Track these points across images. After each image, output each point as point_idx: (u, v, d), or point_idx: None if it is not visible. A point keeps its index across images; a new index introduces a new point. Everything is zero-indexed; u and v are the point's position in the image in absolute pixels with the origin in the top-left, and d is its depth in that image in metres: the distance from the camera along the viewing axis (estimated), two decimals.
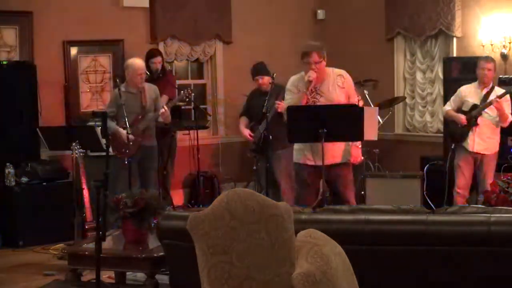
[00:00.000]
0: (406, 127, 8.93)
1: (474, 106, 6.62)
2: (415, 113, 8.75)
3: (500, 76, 7.29)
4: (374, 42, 8.94)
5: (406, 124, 8.91)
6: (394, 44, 8.83)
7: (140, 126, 6.54)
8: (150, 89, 6.70)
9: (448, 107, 6.87)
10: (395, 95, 8.66)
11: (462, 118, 6.62)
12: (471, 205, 5.80)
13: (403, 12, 8.56)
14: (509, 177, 5.77)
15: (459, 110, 6.74)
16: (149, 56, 7.52)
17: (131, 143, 6.38)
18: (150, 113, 6.62)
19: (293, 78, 5.65)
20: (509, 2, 7.61)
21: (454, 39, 8.10)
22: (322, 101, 5.47)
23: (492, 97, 6.53)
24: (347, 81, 5.60)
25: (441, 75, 8.17)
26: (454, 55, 8.07)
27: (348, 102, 5.54)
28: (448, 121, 6.99)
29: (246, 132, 7.33)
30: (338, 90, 5.53)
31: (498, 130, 6.66)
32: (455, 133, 6.77)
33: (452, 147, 6.84)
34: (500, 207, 3.94)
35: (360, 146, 5.84)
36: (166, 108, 6.67)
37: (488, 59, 6.66)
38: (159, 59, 7.58)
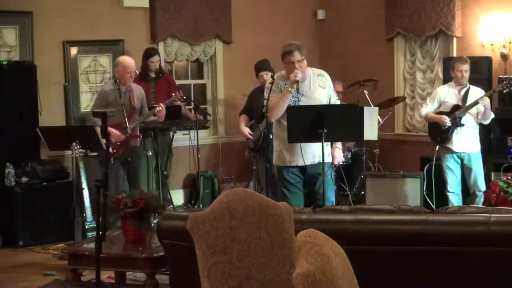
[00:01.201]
0: (406, 127, 8.92)
1: (457, 107, 6.64)
2: (415, 113, 8.74)
3: (500, 76, 7.29)
4: (374, 42, 8.93)
5: (406, 124, 8.91)
6: (394, 44, 8.83)
7: (129, 126, 6.50)
8: (137, 90, 6.66)
9: (427, 109, 6.86)
10: (395, 95, 8.66)
11: (445, 118, 6.62)
12: (471, 205, 5.82)
13: (403, 12, 8.55)
14: (509, 177, 5.79)
15: (437, 111, 6.77)
16: (148, 56, 7.48)
17: (128, 135, 6.37)
18: (137, 114, 6.60)
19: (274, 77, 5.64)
20: (509, 2, 7.61)
21: (454, 39, 8.09)
22: (304, 100, 5.44)
23: (471, 96, 6.58)
24: (328, 81, 5.59)
25: (441, 75, 8.16)
26: (454, 55, 8.06)
27: (330, 103, 5.54)
28: (429, 124, 6.99)
29: (246, 130, 7.32)
30: (319, 90, 5.51)
31: (478, 129, 6.71)
32: (438, 135, 6.77)
33: (436, 148, 6.85)
34: (500, 207, 3.94)
35: (340, 147, 5.84)
36: (162, 106, 6.64)
37: (463, 60, 6.71)
38: (157, 57, 7.57)
